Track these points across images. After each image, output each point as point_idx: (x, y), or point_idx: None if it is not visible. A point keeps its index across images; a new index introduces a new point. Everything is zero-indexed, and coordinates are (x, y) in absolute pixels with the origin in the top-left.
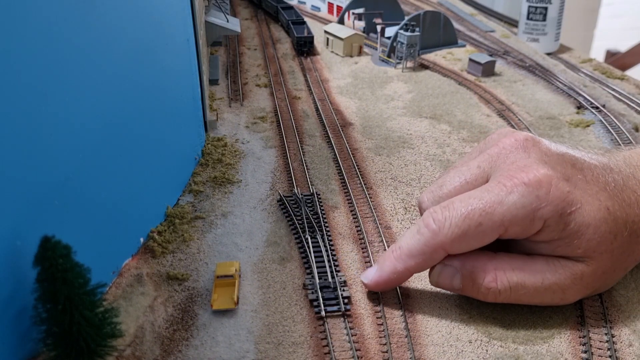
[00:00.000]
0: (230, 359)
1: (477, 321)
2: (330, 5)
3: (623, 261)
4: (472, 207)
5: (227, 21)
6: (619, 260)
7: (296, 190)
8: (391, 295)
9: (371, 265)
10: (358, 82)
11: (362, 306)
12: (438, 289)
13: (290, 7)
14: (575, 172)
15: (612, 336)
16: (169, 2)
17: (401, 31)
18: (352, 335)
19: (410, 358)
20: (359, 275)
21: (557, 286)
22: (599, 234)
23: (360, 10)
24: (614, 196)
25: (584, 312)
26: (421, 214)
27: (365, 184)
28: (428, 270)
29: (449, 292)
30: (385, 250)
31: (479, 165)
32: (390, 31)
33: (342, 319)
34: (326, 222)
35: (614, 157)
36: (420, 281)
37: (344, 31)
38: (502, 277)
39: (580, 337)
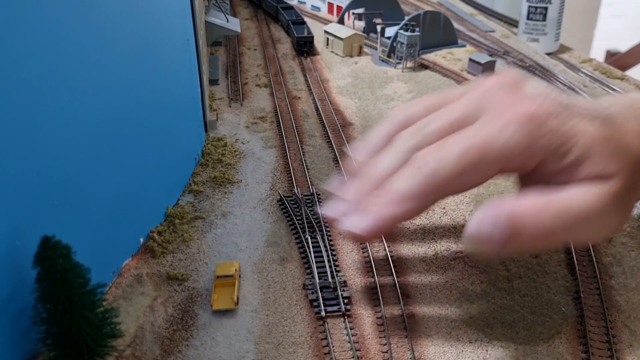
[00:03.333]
0: (230, 359)
1: (478, 321)
2: (330, 5)
3: (637, 189)
4: (468, 147)
5: (227, 21)
6: (634, 187)
7: (296, 190)
8: (391, 295)
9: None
10: (358, 82)
11: (362, 306)
12: (438, 289)
13: (290, 7)
14: (563, 107)
15: (612, 337)
16: (169, 2)
17: (401, 31)
18: (352, 336)
19: (411, 358)
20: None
21: (598, 215)
22: (610, 148)
23: (360, 10)
24: (606, 123)
25: (584, 312)
26: None
27: None
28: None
29: (449, 292)
30: (385, 250)
31: (466, 105)
32: (390, 31)
33: (342, 319)
34: (326, 222)
35: (602, 99)
36: (420, 281)
37: (344, 31)
38: (536, 199)
39: (580, 338)
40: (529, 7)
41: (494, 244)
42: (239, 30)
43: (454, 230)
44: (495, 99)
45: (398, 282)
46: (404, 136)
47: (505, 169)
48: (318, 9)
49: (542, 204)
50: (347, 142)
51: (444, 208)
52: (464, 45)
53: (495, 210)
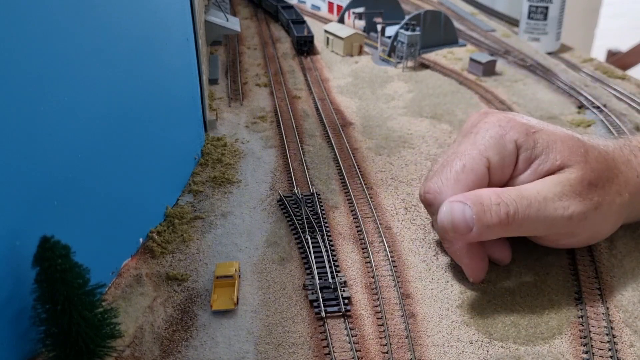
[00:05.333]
0: (229, 359)
1: (478, 321)
2: (331, 4)
3: (608, 181)
4: (452, 155)
5: (227, 20)
6: (601, 176)
7: (296, 190)
8: (391, 295)
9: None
10: (358, 81)
11: (363, 307)
12: (438, 289)
13: (290, 7)
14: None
15: (614, 337)
16: (169, 2)
17: (402, 30)
18: (352, 336)
19: (411, 359)
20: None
21: (555, 196)
22: (568, 145)
23: (361, 10)
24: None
25: (585, 312)
26: (428, 205)
27: (365, 184)
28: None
29: (449, 292)
30: (385, 250)
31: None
32: (390, 30)
33: (342, 319)
34: (326, 222)
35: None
36: (421, 281)
37: (344, 30)
38: (505, 194)
39: (581, 338)
40: (530, 6)
41: (462, 229)
42: (238, 29)
43: None
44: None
45: (398, 282)
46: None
47: (492, 166)
48: (318, 8)
49: (502, 190)
50: (348, 142)
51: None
52: (464, 45)
53: (461, 198)
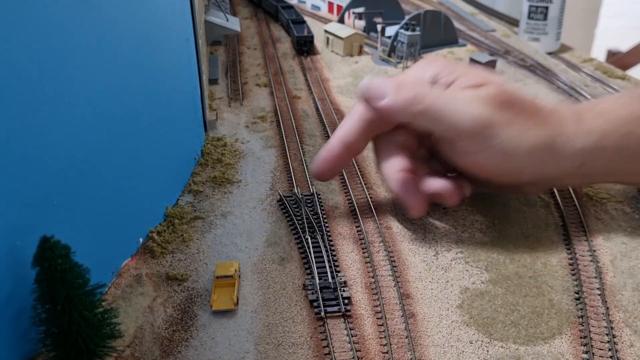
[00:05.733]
0: (229, 359)
1: (478, 322)
2: (331, 4)
3: (530, 109)
4: None
5: (227, 20)
6: (519, 101)
7: (296, 190)
8: (391, 295)
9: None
10: (358, 81)
11: (363, 307)
12: (438, 289)
13: (290, 7)
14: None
15: (614, 337)
16: (169, 1)
17: (402, 30)
18: (352, 336)
19: (411, 359)
20: None
21: (466, 98)
22: (487, 74)
23: (361, 10)
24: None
25: (585, 312)
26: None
27: (365, 184)
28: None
29: (449, 292)
30: (385, 250)
31: None
32: (390, 30)
33: (342, 319)
34: (326, 222)
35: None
36: (421, 281)
37: (344, 30)
38: (420, 84)
39: (581, 338)
40: (530, 6)
41: (375, 94)
42: (238, 29)
43: (454, 230)
44: None
45: (398, 282)
46: None
47: None
48: (318, 8)
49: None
50: None
51: (444, 208)
52: (464, 45)
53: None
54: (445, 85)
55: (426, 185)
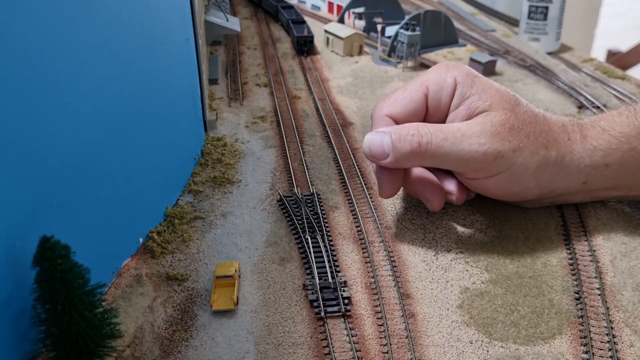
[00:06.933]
0: (229, 359)
1: (478, 321)
2: (331, 4)
3: (534, 132)
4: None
5: (227, 20)
6: (525, 124)
7: (296, 190)
8: (391, 295)
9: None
10: (358, 81)
11: (363, 307)
12: (438, 289)
13: (290, 7)
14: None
15: (614, 337)
16: (169, 1)
17: (402, 30)
18: (352, 336)
19: (411, 359)
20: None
21: (474, 133)
22: (501, 93)
23: (361, 10)
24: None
25: (585, 312)
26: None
27: (365, 184)
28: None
29: (449, 292)
30: (385, 250)
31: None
32: (390, 30)
33: (342, 319)
34: (326, 222)
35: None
36: (421, 281)
37: (344, 30)
38: (423, 127)
39: (581, 338)
40: (530, 6)
41: (378, 155)
42: (238, 29)
43: (454, 230)
44: None
45: (398, 282)
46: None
47: (429, 92)
48: (318, 8)
49: (423, 124)
50: (348, 142)
51: (444, 208)
52: (464, 45)
53: (385, 129)
54: (463, 98)
55: (443, 183)
